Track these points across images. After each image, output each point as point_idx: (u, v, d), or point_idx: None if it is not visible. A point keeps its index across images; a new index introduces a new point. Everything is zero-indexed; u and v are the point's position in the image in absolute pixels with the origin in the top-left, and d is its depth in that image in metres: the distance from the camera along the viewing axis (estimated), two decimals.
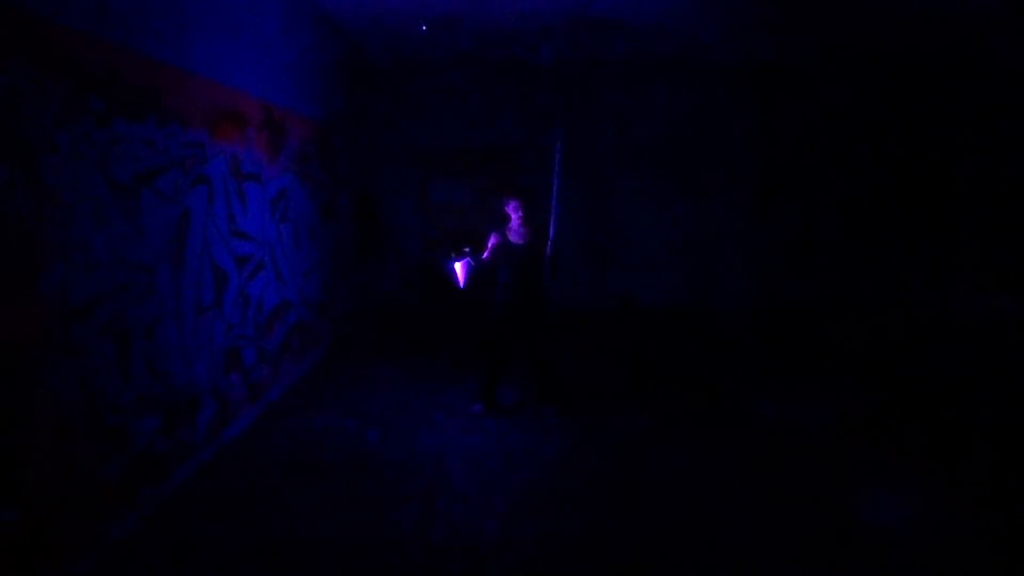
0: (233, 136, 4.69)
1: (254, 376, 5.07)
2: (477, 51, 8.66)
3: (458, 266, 4.90)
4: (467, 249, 4.97)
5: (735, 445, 4.60)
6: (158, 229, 3.68)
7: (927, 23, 7.03)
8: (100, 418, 3.15)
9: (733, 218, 9.90)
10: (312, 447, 4.54)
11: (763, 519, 3.56)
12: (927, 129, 9.91)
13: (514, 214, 5.00)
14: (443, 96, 9.47)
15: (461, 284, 4.92)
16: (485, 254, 5.01)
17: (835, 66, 9.23)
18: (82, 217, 3.02)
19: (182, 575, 3.06)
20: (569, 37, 7.86)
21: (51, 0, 2.83)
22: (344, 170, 7.93)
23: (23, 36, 2.66)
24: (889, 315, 9.31)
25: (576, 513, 3.63)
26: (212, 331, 4.38)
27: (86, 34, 3.05)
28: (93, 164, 3.09)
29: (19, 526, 2.62)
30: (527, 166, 9.44)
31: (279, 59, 5.65)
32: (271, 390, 5.42)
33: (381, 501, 3.75)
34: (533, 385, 5.43)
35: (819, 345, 7.66)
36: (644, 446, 4.60)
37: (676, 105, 9.63)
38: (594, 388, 5.89)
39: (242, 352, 4.87)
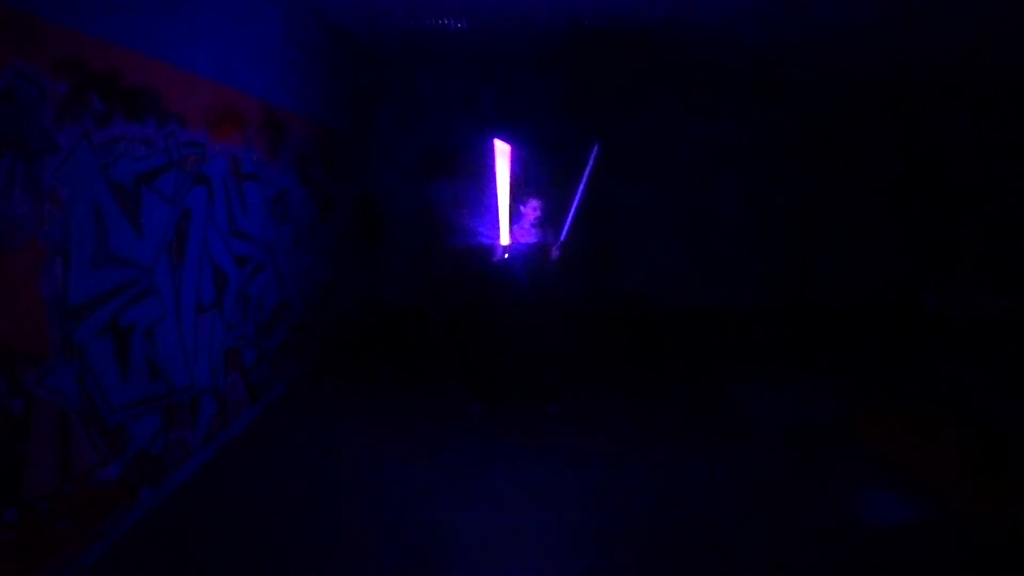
0: (233, 136, 4.69)
1: (254, 376, 5.07)
2: (478, 51, 8.66)
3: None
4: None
5: (735, 443, 4.60)
6: (158, 229, 3.68)
7: (926, 27, 7.03)
8: (100, 418, 3.15)
9: (734, 219, 9.89)
10: (312, 447, 4.54)
11: (761, 518, 3.56)
12: (927, 129, 9.91)
13: (532, 214, 5.01)
14: (444, 96, 9.46)
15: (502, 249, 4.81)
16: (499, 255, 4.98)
17: (835, 67, 9.22)
18: (82, 217, 3.02)
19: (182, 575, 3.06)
20: (568, 36, 7.85)
21: (52, 1, 2.83)
22: (344, 170, 7.93)
23: (23, 36, 2.66)
24: (889, 315, 9.30)
25: (572, 514, 3.63)
26: (212, 331, 4.38)
27: (86, 34, 3.05)
28: (93, 164, 3.09)
29: (19, 526, 2.62)
30: (528, 166, 9.43)
31: (279, 60, 5.65)
32: (271, 390, 5.42)
33: (379, 498, 3.75)
34: (532, 383, 5.42)
35: (820, 345, 7.66)
36: (644, 446, 4.60)
37: (676, 105, 9.62)
38: (593, 387, 5.89)
39: (242, 352, 4.87)
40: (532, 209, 5.01)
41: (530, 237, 5.02)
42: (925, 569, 3.12)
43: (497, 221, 4.91)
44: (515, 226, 5.06)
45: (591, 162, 4.98)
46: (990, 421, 5.04)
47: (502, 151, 4.94)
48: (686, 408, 5.38)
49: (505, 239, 4.95)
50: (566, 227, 4.98)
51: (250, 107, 5.00)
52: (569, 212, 4.97)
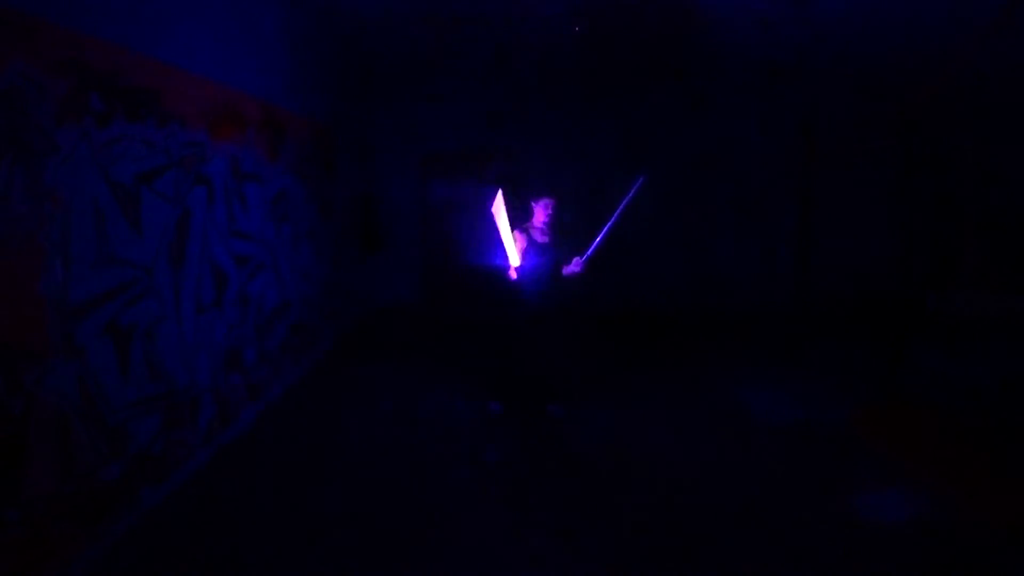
0: (233, 136, 4.70)
1: (254, 376, 5.07)
2: (478, 52, 8.66)
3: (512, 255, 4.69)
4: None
5: (735, 443, 4.60)
6: (158, 229, 3.68)
7: (926, 26, 7.03)
8: (100, 418, 3.15)
9: (733, 218, 9.90)
10: (313, 448, 4.54)
11: (760, 513, 3.56)
12: (928, 128, 9.90)
13: (543, 212, 4.87)
14: (445, 97, 9.47)
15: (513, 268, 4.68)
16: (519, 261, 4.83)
17: (836, 66, 9.23)
18: (82, 217, 3.02)
19: (182, 575, 3.06)
20: (568, 37, 7.85)
21: (51, 1, 2.84)
22: (345, 170, 7.93)
23: (23, 36, 2.66)
24: (890, 315, 9.29)
25: (571, 513, 3.64)
26: (212, 331, 4.38)
27: (86, 34, 3.05)
28: (93, 164, 3.09)
29: (19, 526, 2.63)
30: (527, 166, 9.44)
31: (279, 59, 5.65)
32: (272, 390, 5.42)
33: (379, 500, 3.75)
34: (537, 383, 5.42)
35: (820, 345, 7.66)
36: (647, 446, 4.60)
37: (674, 104, 9.63)
38: (596, 386, 5.89)
39: (242, 352, 4.87)
40: (544, 207, 4.87)
41: (544, 237, 4.94)
42: (925, 569, 3.12)
43: (502, 244, 4.75)
44: (527, 227, 4.96)
45: (632, 193, 4.80)
46: (991, 421, 5.04)
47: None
48: (685, 405, 5.38)
49: (514, 260, 4.75)
50: (594, 245, 4.76)
51: (250, 107, 5.00)
52: (600, 232, 4.73)
